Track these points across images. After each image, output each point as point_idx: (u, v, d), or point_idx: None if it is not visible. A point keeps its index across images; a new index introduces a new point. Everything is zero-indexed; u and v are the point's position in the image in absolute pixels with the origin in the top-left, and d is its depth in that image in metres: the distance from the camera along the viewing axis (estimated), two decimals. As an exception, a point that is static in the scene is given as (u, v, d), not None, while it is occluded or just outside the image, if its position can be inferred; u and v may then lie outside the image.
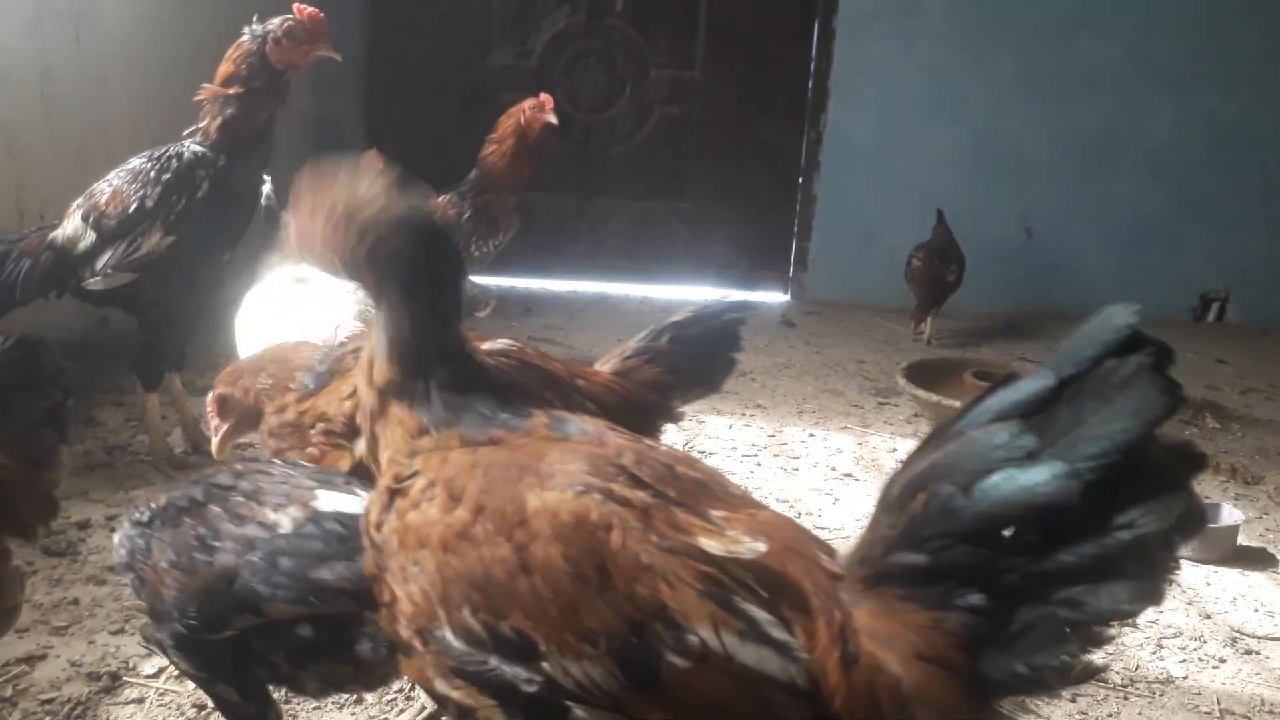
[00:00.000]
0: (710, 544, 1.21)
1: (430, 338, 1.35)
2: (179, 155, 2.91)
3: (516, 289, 5.89)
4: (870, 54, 6.06)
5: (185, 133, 3.00)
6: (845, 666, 1.15)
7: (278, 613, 1.42)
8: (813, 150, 6.22)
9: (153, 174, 2.89)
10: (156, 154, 2.94)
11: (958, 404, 3.88)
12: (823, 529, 3.09)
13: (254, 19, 2.94)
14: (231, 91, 2.92)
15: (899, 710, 1.13)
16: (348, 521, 1.42)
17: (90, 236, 2.89)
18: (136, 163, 2.96)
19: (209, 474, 1.61)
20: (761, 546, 1.22)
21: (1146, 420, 1.02)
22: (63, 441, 1.66)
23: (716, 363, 2.27)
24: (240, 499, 1.50)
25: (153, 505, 1.58)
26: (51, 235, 2.96)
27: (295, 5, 2.94)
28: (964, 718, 1.12)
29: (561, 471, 1.26)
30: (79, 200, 2.98)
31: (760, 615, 1.17)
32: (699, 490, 1.30)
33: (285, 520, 1.44)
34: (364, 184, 1.36)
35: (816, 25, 6.13)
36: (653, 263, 6.37)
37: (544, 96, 3.95)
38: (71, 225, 2.93)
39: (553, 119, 3.94)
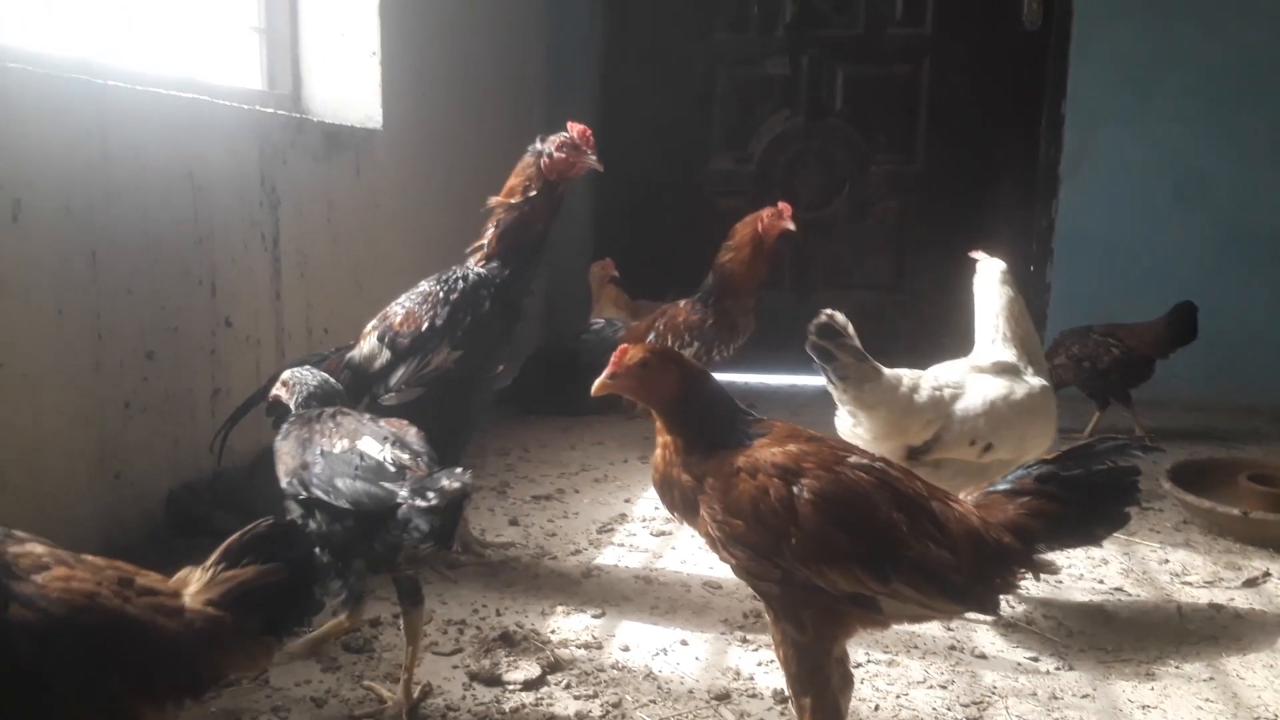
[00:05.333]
0: None
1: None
2: (464, 277, 3.12)
3: (738, 384, 5.96)
4: (1102, 138, 5.88)
5: (469, 249, 3.23)
6: None
7: (316, 496, 2.13)
8: (1044, 238, 6.05)
9: (441, 294, 3.09)
10: (444, 277, 3.15)
11: (1235, 510, 3.64)
12: (1099, 649, 2.91)
13: (538, 139, 3.19)
14: (514, 201, 3.14)
15: None
16: (367, 458, 2.12)
17: (385, 355, 3.10)
18: (425, 286, 3.16)
19: (326, 410, 2.37)
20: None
21: None
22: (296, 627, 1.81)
23: (1101, 514, 1.97)
24: (331, 425, 2.27)
25: (295, 415, 2.40)
26: (349, 355, 3.18)
27: (569, 122, 3.16)
28: None
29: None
30: (373, 322, 3.20)
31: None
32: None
33: (339, 445, 2.18)
34: None
35: (1044, 111, 6.01)
36: (874, 356, 6.27)
37: (783, 205, 4.02)
38: (368, 345, 3.15)
39: (791, 226, 4.00)
